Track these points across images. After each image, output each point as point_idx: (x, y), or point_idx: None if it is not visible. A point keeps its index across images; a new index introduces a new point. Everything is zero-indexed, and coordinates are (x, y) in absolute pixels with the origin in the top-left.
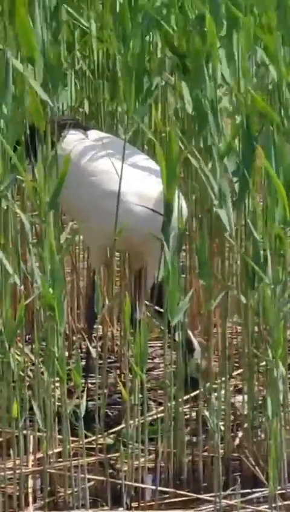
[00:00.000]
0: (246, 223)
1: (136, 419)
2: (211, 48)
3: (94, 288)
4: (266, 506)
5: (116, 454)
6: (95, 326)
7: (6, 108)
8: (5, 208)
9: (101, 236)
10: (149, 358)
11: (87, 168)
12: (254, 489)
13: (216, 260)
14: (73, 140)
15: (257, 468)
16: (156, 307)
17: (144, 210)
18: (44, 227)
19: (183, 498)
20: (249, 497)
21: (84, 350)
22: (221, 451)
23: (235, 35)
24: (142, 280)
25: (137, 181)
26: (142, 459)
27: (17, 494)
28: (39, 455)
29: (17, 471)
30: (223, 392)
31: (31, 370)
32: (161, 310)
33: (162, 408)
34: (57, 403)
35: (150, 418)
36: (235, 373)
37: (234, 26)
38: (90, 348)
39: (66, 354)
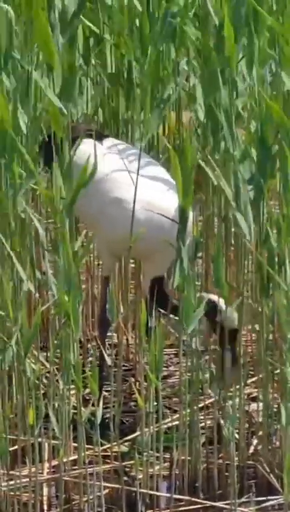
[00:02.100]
0: (262, 230)
1: (151, 427)
2: (229, 54)
3: (106, 295)
4: None
5: (132, 462)
6: (108, 334)
7: (28, 116)
8: (23, 216)
9: (109, 243)
10: (164, 366)
11: (97, 175)
12: (269, 497)
13: (231, 268)
14: (86, 148)
15: (271, 475)
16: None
17: (150, 218)
18: (60, 235)
19: (198, 506)
20: (264, 504)
21: (98, 358)
22: (236, 458)
23: (256, 41)
24: (154, 289)
25: (144, 189)
26: (157, 467)
27: (33, 501)
28: (54, 463)
29: (33, 479)
30: (237, 400)
31: (46, 378)
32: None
33: (177, 416)
34: (72, 411)
35: (165, 426)
36: (250, 381)
37: (255, 31)
38: (105, 355)
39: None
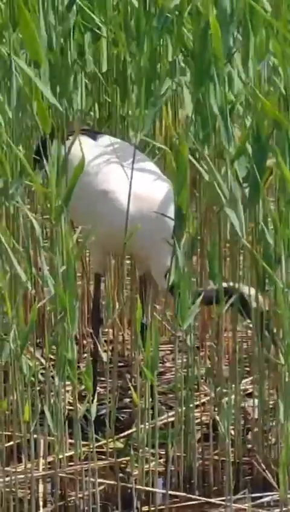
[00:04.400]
0: (257, 226)
1: (147, 423)
2: (216, 51)
3: (98, 292)
4: (277, 510)
5: (127, 458)
6: (103, 330)
7: (11, 111)
8: (14, 211)
9: (100, 238)
10: (160, 362)
11: (86, 169)
12: (264, 493)
13: (227, 264)
14: (79, 145)
15: (267, 472)
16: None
17: (137, 210)
18: (55, 231)
19: (194, 502)
20: (260, 501)
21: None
22: (231, 455)
23: (252, 39)
24: (147, 285)
25: (132, 181)
26: (152, 463)
27: (28, 498)
28: (50, 459)
29: (28, 475)
30: (233, 396)
31: (41, 374)
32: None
33: (172, 412)
34: (67, 407)
35: (161, 422)
36: (245, 378)
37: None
38: (100, 351)
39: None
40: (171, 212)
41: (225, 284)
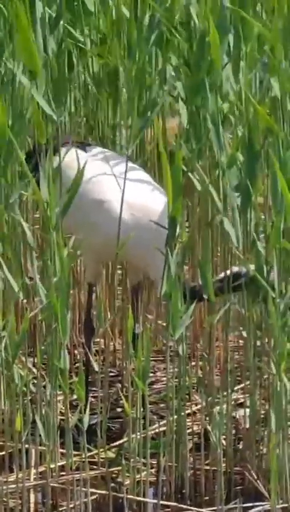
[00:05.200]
0: (249, 236)
1: (138, 433)
2: (215, 61)
3: (91, 301)
4: None
5: (119, 468)
6: (94, 340)
7: (12, 121)
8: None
9: (91, 247)
10: (151, 372)
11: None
12: (255, 503)
13: (219, 273)
14: (71, 158)
15: (258, 482)
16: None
17: (131, 218)
18: (50, 240)
19: None
20: (251, 511)
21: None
22: (223, 465)
23: (244, 47)
24: (139, 295)
25: (127, 190)
26: (144, 473)
27: (20, 507)
28: (41, 469)
29: (20, 485)
30: (225, 406)
31: (33, 384)
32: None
33: (164, 422)
34: (59, 417)
35: (152, 432)
36: (237, 387)
37: (243, 36)
38: (92, 361)
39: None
40: (166, 221)
41: (235, 268)
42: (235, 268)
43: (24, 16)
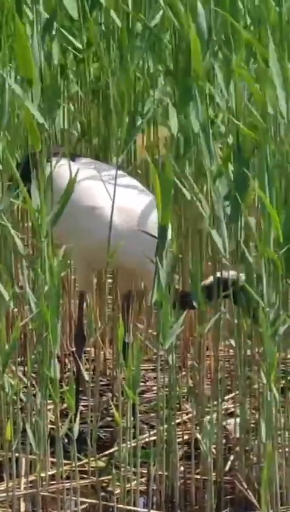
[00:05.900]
0: (239, 245)
1: (129, 442)
2: (196, 67)
3: (82, 310)
4: None
5: (109, 477)
6: (85, 349)
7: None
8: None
9: (83, 255)
10: (142, 381)
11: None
12: None
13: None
14: (61, 169)
15: (249, 491)
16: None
17: (123, 224)
18: (41, 248)
19: None
20: None
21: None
22: (213, 474)
23: (234, 56)
24: (130, 303)
25: (119, 197)
26: (134, 482)
27: None
28: (31, 478)
29: (10, 494)
30: (215, 415)
31: (23, 393)
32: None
33: (154, 431)
34: (49, 426)
35: (143, 441)
36: (227, 396)
37: (234, 45)
38: (82, 370)
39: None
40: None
41: (223, 274)
42: (224, 274)
43: (22, 26)
